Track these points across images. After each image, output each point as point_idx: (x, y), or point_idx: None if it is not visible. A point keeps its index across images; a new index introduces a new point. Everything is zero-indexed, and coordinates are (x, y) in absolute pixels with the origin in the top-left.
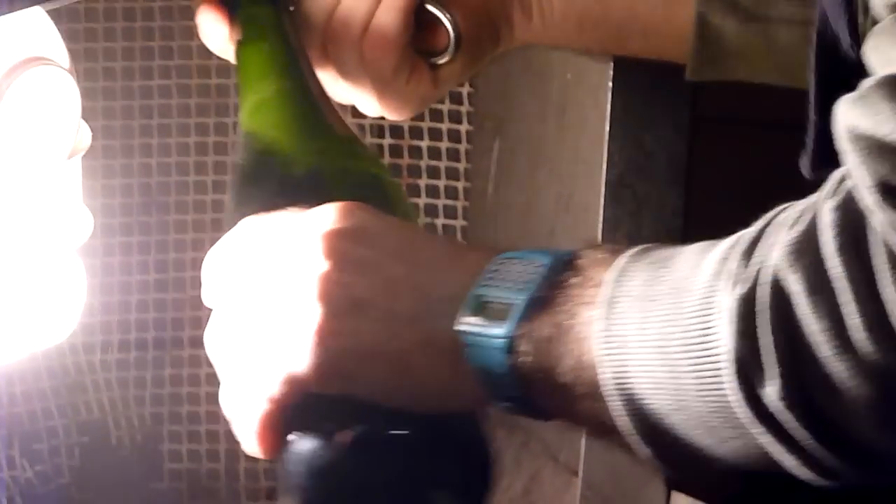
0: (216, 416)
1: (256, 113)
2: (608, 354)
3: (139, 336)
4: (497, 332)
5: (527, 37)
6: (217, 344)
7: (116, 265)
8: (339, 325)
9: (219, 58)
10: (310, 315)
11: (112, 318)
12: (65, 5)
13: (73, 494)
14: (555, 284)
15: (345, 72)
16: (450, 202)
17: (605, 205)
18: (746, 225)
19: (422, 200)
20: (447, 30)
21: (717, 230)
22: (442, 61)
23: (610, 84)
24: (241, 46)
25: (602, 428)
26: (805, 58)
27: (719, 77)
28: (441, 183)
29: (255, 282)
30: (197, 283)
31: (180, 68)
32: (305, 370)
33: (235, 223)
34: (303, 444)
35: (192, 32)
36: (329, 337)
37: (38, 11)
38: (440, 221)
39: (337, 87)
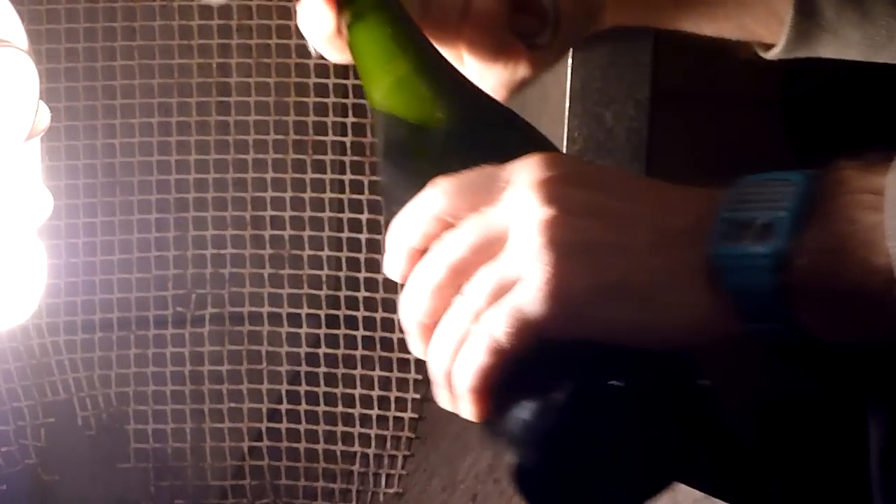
0: (181, 396)
1: (396, 92)
2: None
3: (104, 317)
4: (762, 250)
5: (621, 16)
6: (419, 307)
7: (81, 246)
8: (576, 266)
9: (181, 38)
10: (541, 261)
11: (77, 299)
12: None
13: (39, 475)
14: (818, 197)
15: (446, 53)
16: None
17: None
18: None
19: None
20: (545, 9)
21: None
22: (541, 42)
23: (570, 61)
24: (359, 28)
25: (891, 331)
26: (894, 27)
27: (809, 54)
28: None
29: (467, 238)
30: (162, 264)
31: (142, 49)
32: (543, 315)
33: (401, 201)
34: (526, 404)
35: (153, 13)
36: (566, 279)
37: None
38: None
39: None
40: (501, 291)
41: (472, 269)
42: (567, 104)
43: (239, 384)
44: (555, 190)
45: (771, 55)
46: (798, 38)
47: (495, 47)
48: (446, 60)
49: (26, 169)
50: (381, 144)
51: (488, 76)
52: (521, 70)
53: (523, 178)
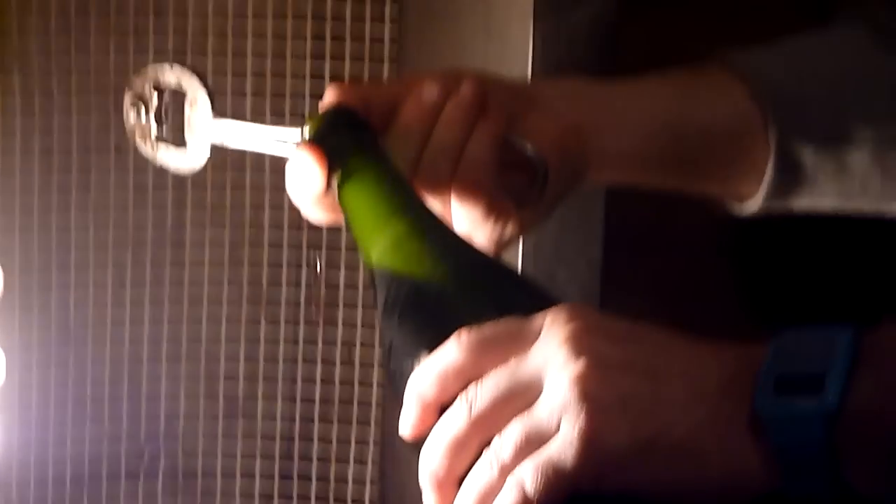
0: None
1: (395, 250)
2: None
3: (57, 472)
4: (812, 405)
5: (605, 175)
6: (440, 462)
7: (34, 401)
8: (612, 419)
9: (135, 190)
10: (576, 414)
11: (29, 455)
12: None
13: None
14: (866, 352)
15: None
16: None
17: None
18: None
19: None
20: (532, 165)
21: None
22: (530, 199)
23: None
24: (351, 189)
25: None
26: (868, 178)
27: (784, 207)
28: None
29: (494, 391)
30: (115, 418)
31: (97, 204)
32: (578, 470)
33: (411, 355)
34: None
35: (108, 167)
36: (602, 432)
37: None
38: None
39: None
40: (532, 446)
41: (498, 424)
42: (520, 262)
43: None
44: (588, 343)
45: (747, 209)
46: (776, 192)
47: (485, 205)
48: (441, 220)
49: None
50: (381, 301)
51: (478, 234)
52: (510, 228)
53: (554, 331)
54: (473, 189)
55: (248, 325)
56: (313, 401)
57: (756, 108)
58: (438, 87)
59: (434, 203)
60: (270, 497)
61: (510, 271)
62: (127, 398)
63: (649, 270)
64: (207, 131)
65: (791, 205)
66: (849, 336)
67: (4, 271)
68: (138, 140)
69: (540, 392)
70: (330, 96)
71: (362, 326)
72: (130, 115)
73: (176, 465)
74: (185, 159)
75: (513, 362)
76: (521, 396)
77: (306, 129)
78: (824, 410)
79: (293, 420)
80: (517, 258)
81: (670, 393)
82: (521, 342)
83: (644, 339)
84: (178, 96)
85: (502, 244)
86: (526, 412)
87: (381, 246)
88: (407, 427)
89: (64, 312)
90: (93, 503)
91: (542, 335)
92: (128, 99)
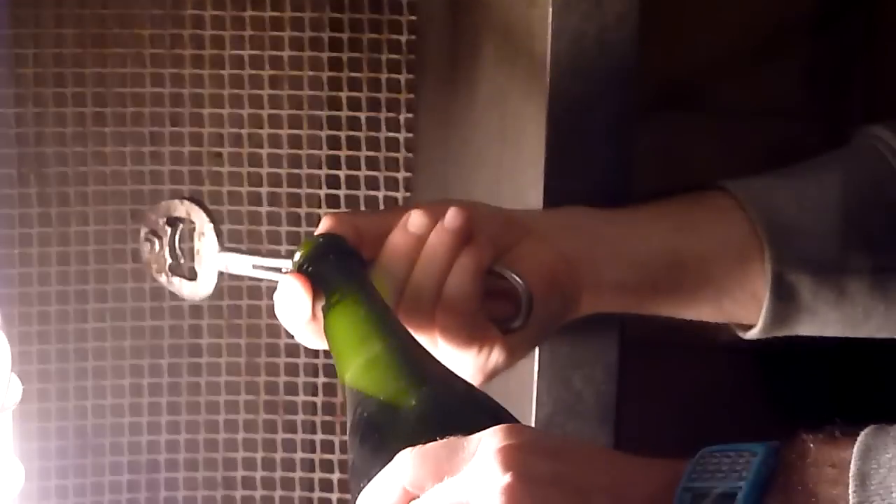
0: None
1: (367, 371)
2: None
3: None
4: None
5: (597, 304)
6: None
7: None
8: None
9: (152, 298)
10: None
11: None
12: None
13: None
14: (778, 470)
15: (421, 338)
16: None
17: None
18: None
19: None
20: (519, 294)
21: None
22: (515, 326)
23: None
24: (332, 314)
25: None
26: (871, 306)
27: (788, 333)
28: None
29: None
30: None
31: (114, 311)
32: None
33: (366, 474)
34: None
35: (125, 275)
36: None
37: None
38: None
39: None
40: None
41: None
42: (536, 367)
43: None
44: (515, 457)
45: (750, 336)
46: (776, 319)
47: (469, 333)
48: (418, 344)
49: None
50: (350, 422)
51: (463, 361)
52: (496, 355)
53: (486, 446)
54: (456, 317)
55: (266, 432)
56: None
57: (754, 236)
58: (424, 216)
59: (418, 331)
60: None
61: (478, 398)
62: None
63: (668, 370)
64: (215, 261)
65: (793, 332)
66: (763, 452)
67: (22, 379)
68: (154, 271)
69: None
70: (323, 224)
71: None
72: (145, 248)
73: None
74: (196, 288)
75: (448, 479)
76: None
77: (297, 254)
78: None
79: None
80: (533, 361)
81: None
82: (460, 458)
83: (573, 455)
84: (188, 228)
85: (489, 371)
86: None
87: (353, 368)
88: None
89: (81, 420)
90: None
91: (476, 451)
92: (142, 233)
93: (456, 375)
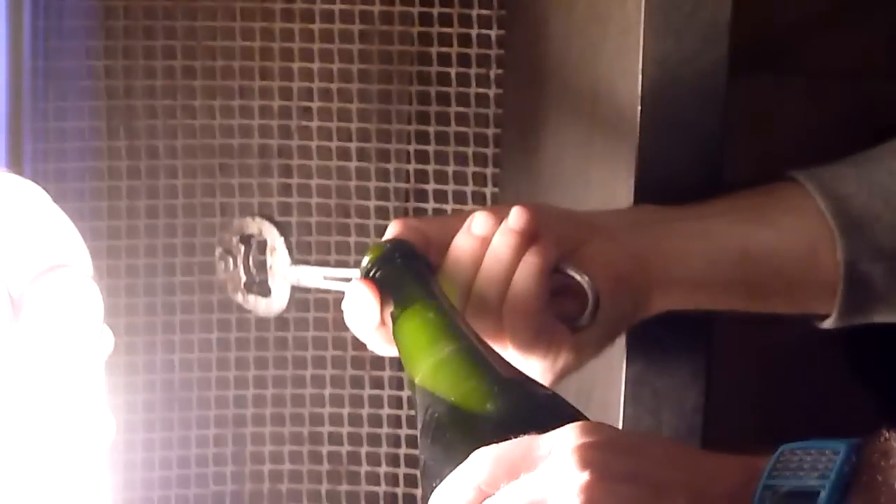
0: None
1: (438, 372)
2: None
3: None
4: None
5: (668, 304)
6: None
7: (139, 461)
8: None
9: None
10: None
11: None
12: (88, 206)
13: None
14: (862, 468)
15: (489, 339)
16: None
17: (624, 402)
18: (767, 425)
19: None
20: (586, 293)
21: (738, 428)
22: (582, 324)
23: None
24: (402, 318)
25: None
26: None
27: (863, 321)
28: None
29: None
30: (220, 479)
31: (202, 265)
32: None
33: (439, 474)
34: None
35: (212, 228)
36: None
37: (60, 217)
38: None
39: None
40: None
41: None
42: (624, 368)
43: None
44: (593, 455)
45: (825, 325)
46: (850, 309)
47: (536, 332)
48: (488, 345)
49: (90, 392)
50: (421, 423)
51: (532, 361)
52: (565, 355)
53: (562, 445)
54: (523, 317)
55: (352, 387)
56: (416, 465)
57: (824, 226)
58: (488, 217)
59: (486, 333)
60: None
61: (554, 400)
62: (231, 460)
63: (756, 335)
64: (287, 276)
65: (869, 320)
66: (845, 451)
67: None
68: (230, 290)
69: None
70: (391, 229)
71: None
72: (220, 267)
73: None
74: (270, 304)
75: (524, 477)
76: None
77: (365, 260)
78: None
79: (396, 483)
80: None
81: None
82: (536, 457)
83: (650, 452)
84: (261, 245)
85: (558, 371)
86: None
87: (423, 369)
88: None
89: (168, 374)
90: None
91: (552, 450)
92: (217, 252)
93: (529, 377)
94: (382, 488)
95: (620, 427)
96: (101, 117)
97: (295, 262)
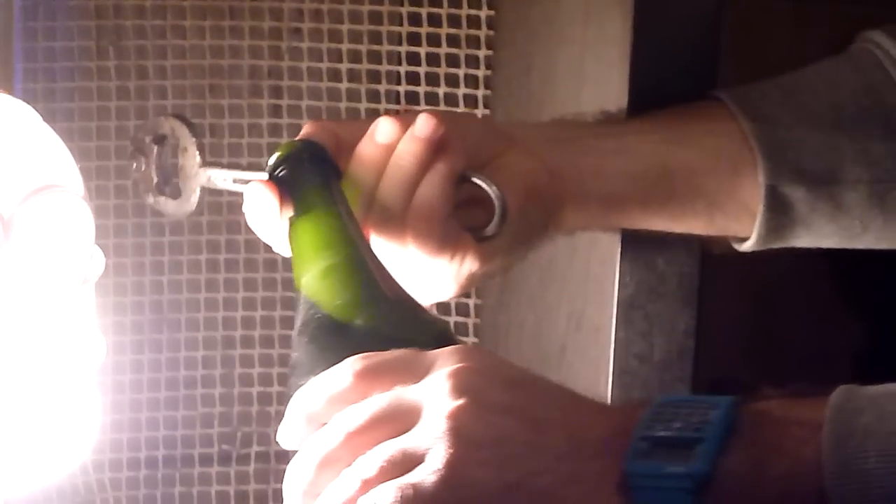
0: None
1: (320, 281)
2: (843, 483)
3: (149, 454)
4: (680, 470)
5: (583, 220)
6: (306, 476)
7: (127, 382)
8: (480, 457)
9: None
10: (445, 445)
11: (122, 436)
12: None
13: None
14: (743, 423)
15: (392, 247)
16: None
17: (616, 325)
18: (758, 349)
19: None
20: (493, 202)
21: (729, 351)
22: (487, 233)
23: None
24: (297, 221)
25: None
26: (868, 217)
27: (783, 245)
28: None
29: (371, 411)
30: (209, 401)
31: None
32: (435, 499)
33: (311, 371)
34: None
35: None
36: (467, 468)
37: (52, 137)
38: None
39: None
40: (398, 469)
41: (369, 443)
42: (619, 248)
43: None
44: (472, 382)
45: (743, 248)
46: (770, 232)
47: (440, 240)
48: (378, 261)
49: (81, 313)
50: (297, 323)
51: (436, 269)
52: (469, 263)
53: (442, 366)
54: (426, 225)
55: None
56: None
57: (746, 147)
58: (393, 124)
59: (389, 239)
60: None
61: (430, 319)
62: (220, 381)
63: (749, 263)
64: (196, 178)
65: (788, 244)
66: (727, 406)
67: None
68: (141, 191)
69: (416, 422)
70: (304, 130)
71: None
72: (133, 166)
73: (268, 448)
74: (179, 206)
75: (396, 389)
76: (397, 423)
77: (272, 158)
78: (691, 477)
79: None
80: (616, 243)
81: (545, 442)
82: (410, 373)
83: (530, 387)
84: (172, 144)
85: (462, 280)
86: (398, 437)
87: (309, 274)
88: (285, 438)
89: (157, 295)
90: (185, 485)
91: (431, 369)
92: (130, 150)
93: (413, 298)
94: None
95: (611, 351)
96: (90, 37)
97: (206, 163)
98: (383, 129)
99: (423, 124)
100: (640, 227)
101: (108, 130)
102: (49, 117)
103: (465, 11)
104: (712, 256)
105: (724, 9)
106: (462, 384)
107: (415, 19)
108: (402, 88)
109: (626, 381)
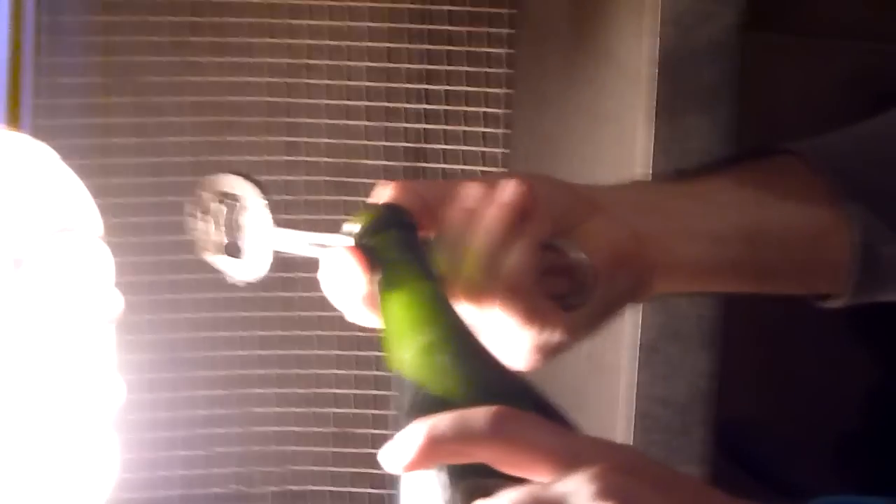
0: None
1: (418, 360)
2: None
3: (166, 494)
4: None
5: (671, 286)
6: None
7: (144, 422)
8: None
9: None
10: None
11: (137, 476)
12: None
13: None
14: None
15: (477, 316)
16: None
17: (638, 368)
18: (778, 390)
19: None
20: (579, 270)
21: (750, 393)
22: (575, 302)
23: None
24: (389, 296)
25: None
26: None
27: (874, 300)
28: None
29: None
30: (225, 440)
31: None
32: None
33: None
34: None
35: None
36: None
37: (69, 177)
38: None
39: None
40: None
41: None
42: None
43: None
44: (620, 484)
45: (830, 305)
46: (861, 290)
47: (526, 310)
48: (472, 335)
49: (101, 355)
50: (400, 406)
51: (522, 339)
52: (557, 334)
53: (588, 459)
54: (513, 294)
55: (361, 347)
56: None
57: (835, 204)
58: (481, 189)
59: (476, 307)
60: None
61: (533, 395)
62: (237, 420)
63: (766, 304)
64: (266, 240)
65: (877, 299)
66: None
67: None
68: (204, 251)
69: None
70: (387, 192)
71: None
72: (195, 225)
73: (285, 489)
74: (248, 268)
75: (533, 487)
76: None
77: (356, 223)
78: None
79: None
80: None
81: None
82: (551, 463)
83: (681, 487)
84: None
85: (548, 350)
86: None
87: (407, 353)
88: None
89: (172, 333)
90: None
91: (574, 463)
92: (193, 209)
93: (511, 373)
94: None
95: (634, 394)
96: (103, 73)
97: (276, 224)
98: (472, 194)
99: (510, 190)
100: (729, 291)
101: (125, 168)
102: (66, 157)
103: (485, 49)
104: (735, 300)
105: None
106: (611, 485)
107: (435, 58)
108: (422, 127)
109: (647, 424)
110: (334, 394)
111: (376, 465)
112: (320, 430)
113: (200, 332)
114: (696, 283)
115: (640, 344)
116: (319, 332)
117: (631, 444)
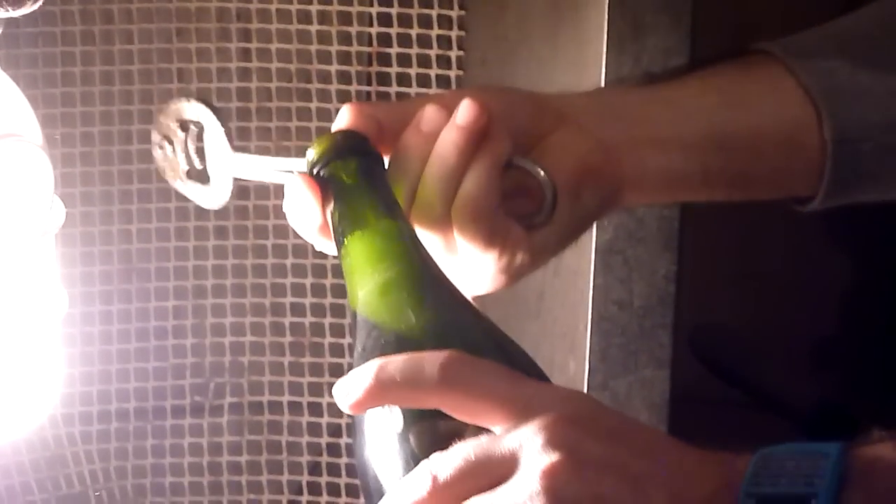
0: (200, 487)
1: (380, 297)
2: None
3: (120, 406)
4: None
5: (641, 198)
6: None
7: (96, 334)
8: None
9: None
10: None
11: (92, 389)
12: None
13: None
14: (856, 473)
15: (437, 241)
16: None
17: (595, 271)
18: (738, 292)
19: None
20: (541, 188)
21: (709, 296)
22: (537, 221)
23: None
24: (346, 232)
25: None
26: None
27: (849, 201)
28: None
29: (462, 463)
30: (180, 351)
31: None
32: None
33: None
34: None
35: (171, 94)
36: None
37: (8, 85)
38: None
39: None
40: None
41: (458, 497)
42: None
43: (258, 475)
44: (568, 435)
45: (808, 209)
46: (836, 190)
47: (488, 233)
48: (434, 271)
49: (41, 265)
50: (359, 345)
51: (485, 263)
52: (520, 255)
53: (538, 408)
54: (473, 217)
55: (315, 257)
56: None
57: (809, 103)
58: (437, 111)
59: (434, 233)
60: (338, 431)
61: (497, 334)
62: (192, 332)
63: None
64: (227, 166)
65: (853, 200)
66: (836, 454)
67: (65, 202)
68: (169, 177)
69: (509, 475)
70: (343, 117)
71: None
72: (157, 152)
73: (242, 400)
74: (211, 194)
75: (487, 438)
76: (488, 474)
77: (311, 152)
78: None
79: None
80: None
81: (647, 501)
82: (502, 413)
83: (630, 439)
84: (200, 131)
85: (513, 272)
86: (489, 492)
87: (367, 289)
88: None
89: (126, 244)
90: (157, 438)
91: (525, 413)
92: (154, 136)
93: (475, 309)
94: (347, 360)
95: (590, 297)
96: None
97: (235, 150)
98: (427, 117)
99: (466, 111)
100: (701, 199)
101: (73, 77)
102: (12, 64)
103: None
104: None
105: None
106: (558, 437)
107: None
108: (375, 31)
109: (605, 328)
110: (290, 302)
111: (333, 374)
112: (276, 339)
113: (154, 243)
114: (665, 193)
115: (597, 246)
116: (274, 241)
117: (590, 347)
